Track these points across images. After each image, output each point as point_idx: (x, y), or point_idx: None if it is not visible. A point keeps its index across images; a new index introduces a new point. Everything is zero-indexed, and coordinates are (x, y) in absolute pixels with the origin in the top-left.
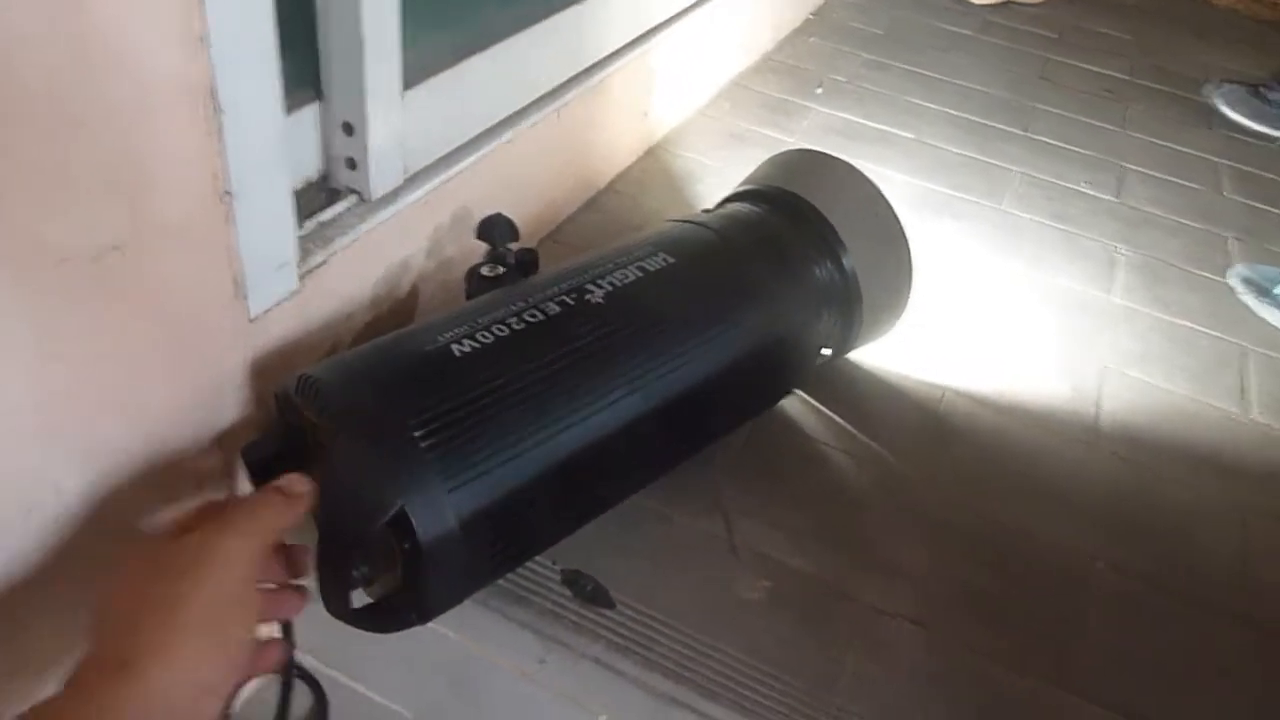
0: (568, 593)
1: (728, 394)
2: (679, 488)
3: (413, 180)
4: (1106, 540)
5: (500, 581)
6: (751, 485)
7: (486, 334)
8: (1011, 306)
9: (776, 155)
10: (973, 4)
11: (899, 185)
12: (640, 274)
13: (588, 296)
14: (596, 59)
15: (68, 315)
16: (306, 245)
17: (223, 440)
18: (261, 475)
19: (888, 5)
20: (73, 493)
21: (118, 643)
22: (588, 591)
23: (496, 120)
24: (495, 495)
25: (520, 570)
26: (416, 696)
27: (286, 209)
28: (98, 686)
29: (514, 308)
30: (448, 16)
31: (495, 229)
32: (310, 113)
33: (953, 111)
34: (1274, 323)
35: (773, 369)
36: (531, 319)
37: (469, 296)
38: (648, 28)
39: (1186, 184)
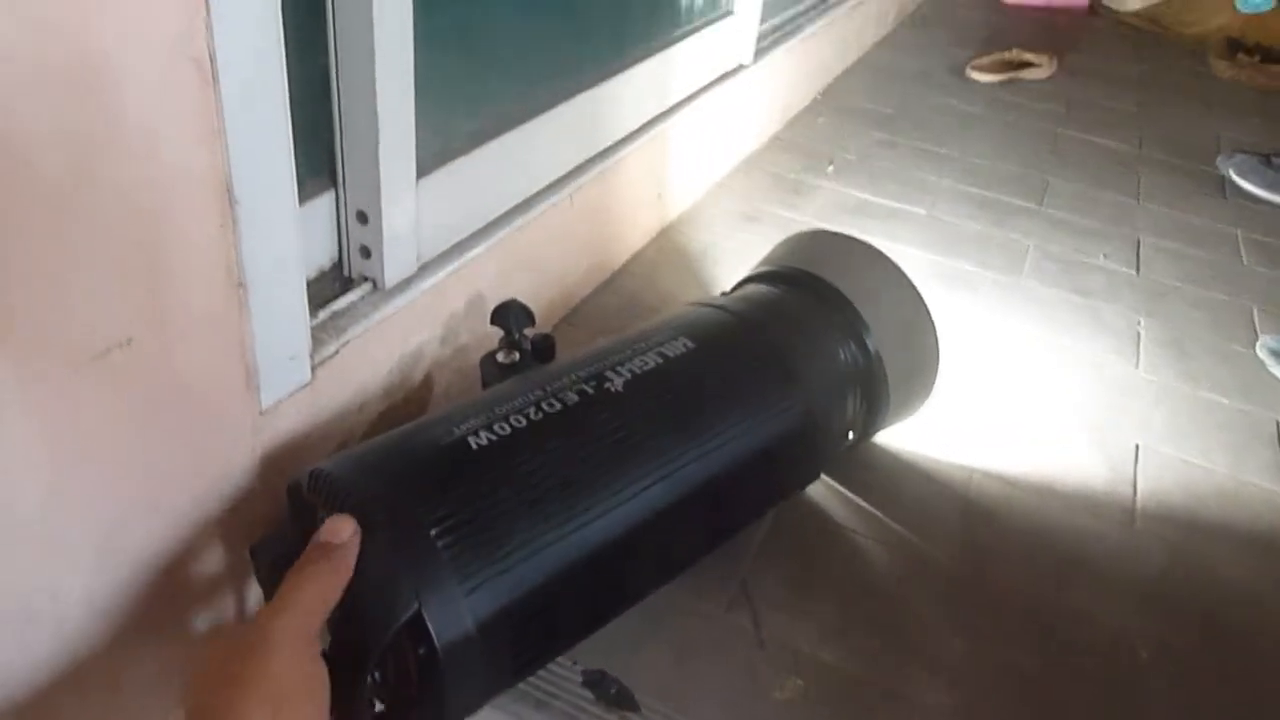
0: (590, 696)
1: (752, 482)
2: (703, 579)
3: (426, 267)
4: (1156, 625)
5: (520, 684)
6: (778, 575)
7: (504, 425)
8: (1036, 383)
9: (793, 235)
10: (978, 81)
11: (914, 261)
12: (660, 360)
13: (607, 385)
14: (610, 143)
15: (74, 410)
16: (319, 335)
17: (232, 536)
18: (270, 576)
19: (894, 84)
20: (73, 597)
21: None
22: (612, 694)
23: (510, 206)
24: (515, 595)
25: (541, 672)
26: None
27: (299, 300)
28: None
29: (532, 397)
30: (461, 105)
31: (510, 315)
32: (325, 201)
33: (965, 187)
34: None
35: (798, 455)
36: (550, 409)
37: (485, 384)
38: (660, 111)
39: (1206, 255)
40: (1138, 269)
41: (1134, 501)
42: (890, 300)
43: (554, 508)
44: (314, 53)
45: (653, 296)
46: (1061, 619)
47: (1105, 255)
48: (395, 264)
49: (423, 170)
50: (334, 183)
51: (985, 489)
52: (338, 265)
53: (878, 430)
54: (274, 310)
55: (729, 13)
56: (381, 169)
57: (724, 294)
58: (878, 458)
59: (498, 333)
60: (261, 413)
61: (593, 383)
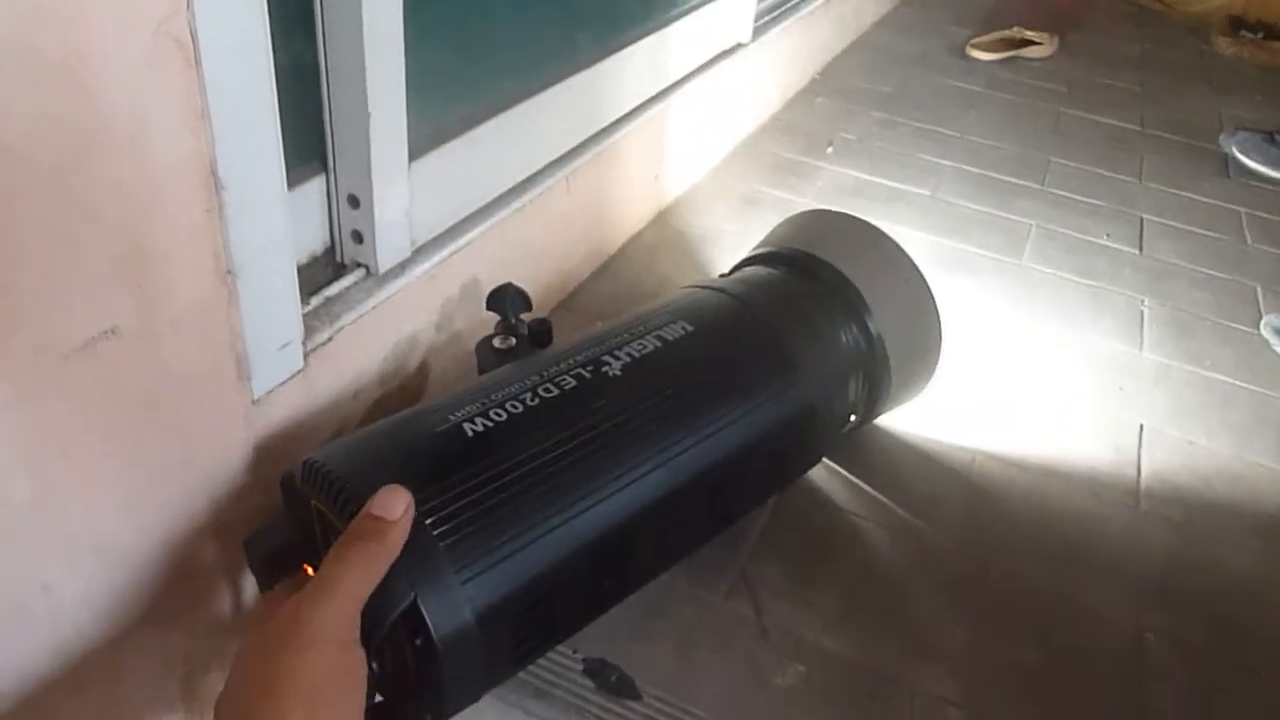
0: (591, 684)
1: (753, 466)
2: (703, 566)
3: (420, 252)
4: (1163, 610)
5: (520, 674)
6: (779, 561)
7: (500, 411)
8: (1039, 364)
9: (793, 216)
10: (979, 60)
11: (915, 243)
12: (659, 344)
13: (605, 369)
14: (606, 124)
15: (61, 401)
16: (311, 322)
17: (227, 529)
18: (265, 569)
19: (893, 63)
20: (67, 591)
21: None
22: (612, 683)
23: (505, 189)
24: (513, 584)
25: (540, 661)
26: None
27: (290, 287)
28: None
29: (528, 383)
30: (453, 86)
31: (506, 300)
32: (315, 186)
33: (966, 167)
34: None
35: (800, 438)
36: (547, 394)
37: (481, 370)
38: (657, 91)
39: (1209, 234)
40: (1140, 248)
41: (1138, 483)
42: (892, 282)
43: (552, 495)
44: (301, 32)
45: (651, 281)
46: (1065, 603)
47: (1108, 235)
48: (388, 249)
49: (415, 153)
50: (324, 166)
51: (988, 471)
52: (330, 250)
53: (880, 413)
54: (264, 297)
55: None
56: (372, 152)
57: (723, 276)
58: (880, 441)
59: (494, 318)
60: (254, 402)
61: (590, 367)
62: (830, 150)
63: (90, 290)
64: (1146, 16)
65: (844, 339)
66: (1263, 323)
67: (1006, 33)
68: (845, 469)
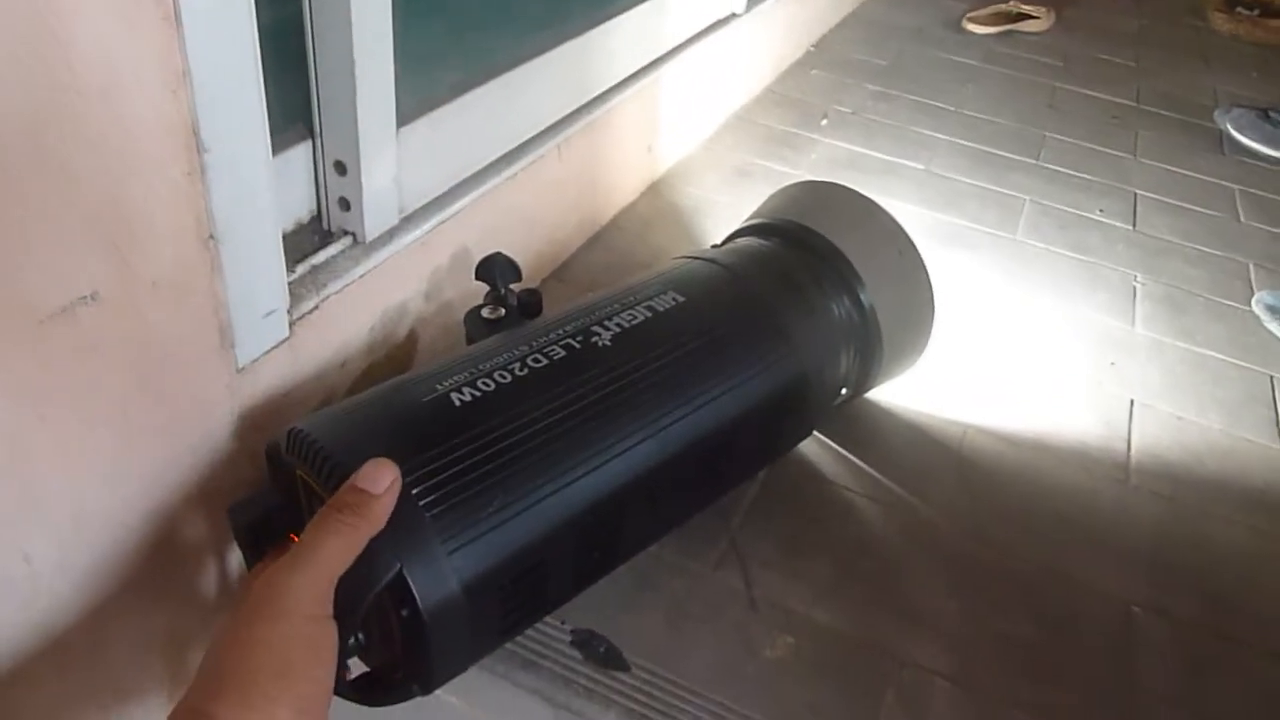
0: (579, 656)
1: (744, 438)
2: (693, 537)
3: (409, 220)
4: (1152, 584)
5: (507, 645)
6: (769, 533)
7: (488, 381)
8: (1031, 339)
9: (786, 187)
10: (975, 33)
11: (909, 216)
12: (649, 314)
13: (594, 339)
14: (598, 92)
15: (39, 367)
16: (297, 290)
17: (212, 499)
18: (249, 538)
19: (889, 37)
20: (48, 560)
21: (199, 694)
22: (600, 654)
23: (496, 157)
24: (500, 555)
25: (529, 632)
26: None
27: (275, 253)
28: None
29: (517, 353)
30: (443, 51)
31: (495, 269)
32: (301, 152)
33: (961, 141)
34: None
35: (791, 410)
36: (536, 364)
37: (470, 340)
38: (649, 60)
39: (1202, 210)
40: (1134, 224)
41: (1128, 458)
42: (885, 254)
43: (540, 466)
44: None
45: (643, 252)
46: (1055, 576)
47: (1101, 211)
48: (376, 216)
49: (403, 119)
50: (311, 132)
51: (979, 445)
52: (316, 218)
53: (871, 386)
54: (248, 264)
55: None
56: (359, 117)
57: (715, 247)
58: (871, 414)
59: (484, 288)
60: (238, 370)
61: (580, 338)
62: (824, 123)
63: (67, 254)
64: None
65: (836, 311)
66: (1254, 299)
67: (1003, 7)
68: (836, 442)
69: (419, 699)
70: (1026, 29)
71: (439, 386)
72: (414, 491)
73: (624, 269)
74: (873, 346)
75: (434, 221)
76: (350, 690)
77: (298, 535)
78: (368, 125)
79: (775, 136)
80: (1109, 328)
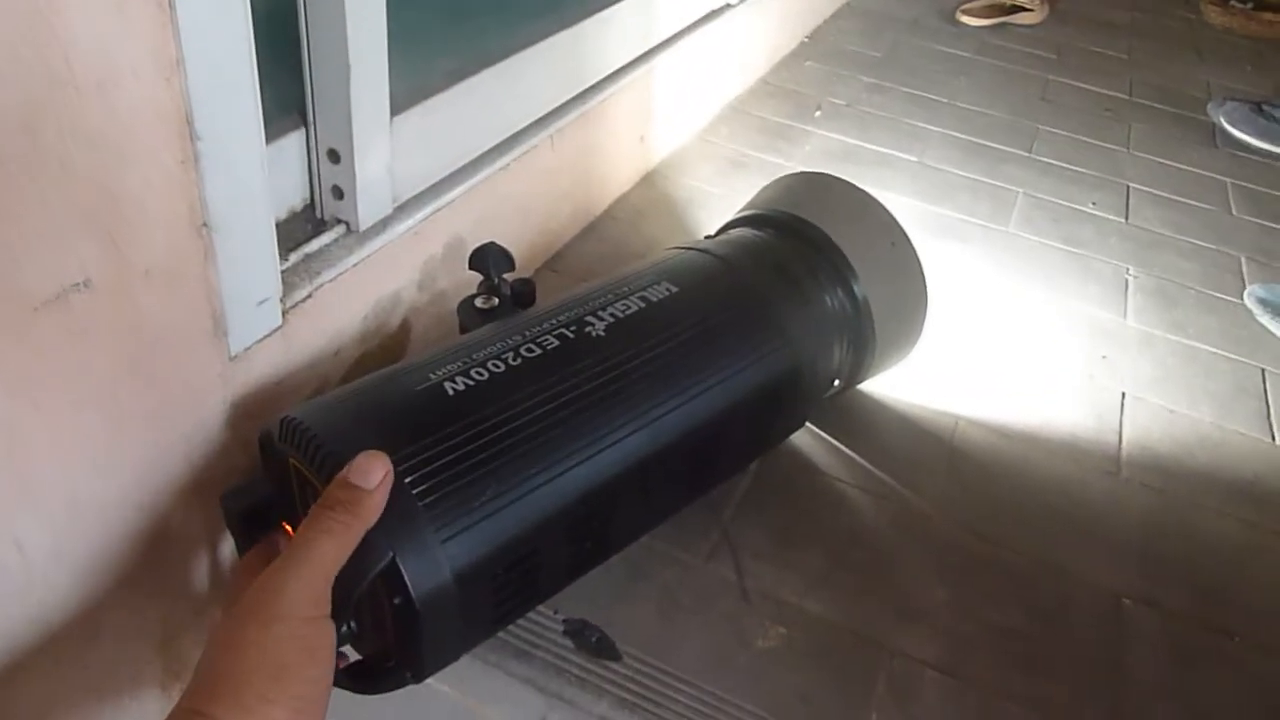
0: (571, 645)
1: (737, 429)
2: (685, 528)
3: (403, 209)
4: (1142, 575)
5: (500, 633)
6: (761, 524)
7: (481, 370)
8: (1023, 331)
9: (780, 178)
10: (968, 25)
11: (902, 208)
12: (643, 304)
13: (588, 329)
14: (592, 82)
15: (32, 355)
16: (290, 279)
17: (205, 488)
18: (242, 526)
19: (883, 29)
20: (41, 548)
21: (195, 696)
22: (593, 643)
23: (489, 146)
24: (493, 544)
25: (521, 621)
26: None
27: (268, 241)
28: None
29: (510, 342)
30: (436, 39)
31: (489, 259)
32: (295, 140)
33: (954, 133)
34: None
35: (784, 402)
36: (529, 354)
37: (463, 330)
38: (643, 51)
39: (1195, 204)
40: (1127, 217)
41: (1119, 450)
42: (878, 245)
43: (533, 455)
44: None
45: (637, 242)
46: (1045, 568)
47: (1094, 203)
48: (369, 205)
49: (397, 108)
50: (304, 120)
51: (971, 437)
52: (310, 206)
53: (864, 378)
54: (242, 252)
55: None
56: (353, 106)
57: (709, 238)
58: (863, 406)
59: (477, 278)
60: (231, 359)
61: (573, 327)
62: (818, 114)
63: (60, 241)
64: None
65: (829, 302)
66: (1246, 292)
67: None
68: (829, 433)
69: (411, 687)
70: (1020, 21)
71: (432, 375)
72: (407, 480)
73: (618, 259)
74: (865, 338)
75: (427, 210)
76: (342, 678)
77: (290, 524)
78: (361, 113)
79: (769, 128)
80: (1101, 320)
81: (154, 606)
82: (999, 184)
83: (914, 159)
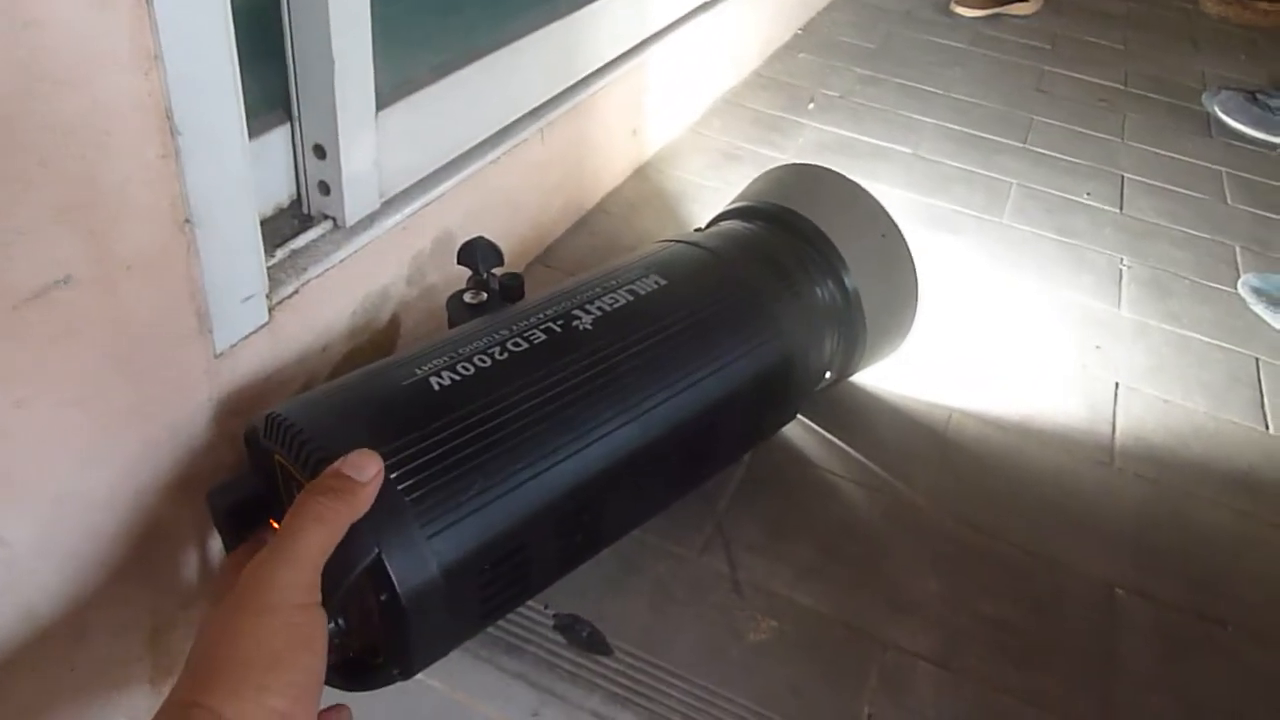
0: (562, 640)
1: (727, 422)
2: (677, 521)
3: (390, 204)
4: (1135, 565)
5: (490, 629)
6: (753, 517)
7: (467, 365)
8: (1016, 322)
9: (770, 170)
10: (963, 16)
11: (896, 200)
12: (631, 298)
13: (575, 323)
14: (583, 75)
15: (13, 352)
16: (277, 275)
17: (192, 484)
18: (229, 523)
19: (877, 20)
20: (25, 543)
21: (189, 687)
22: (584, 638)
23: (478, 140)
24: (480, 540)
25: (512, 616)
26: None
27: (253, 237)
28: None
29: (497, 337)
30: (422, 33)
31: (477, 253)
32: (280, 135)
33: (949, 125)
34: None
35: (774, 394)
36: (516, 348)
37: (452, 325)
38: (635, 43)
39: (1190, 193)
40: (1121, 207)
41: (1113, 441)
42: (869, 236)
43: (520, 450)
44: None
45: (629, 236)
46: (1038, 559)
47: (1088, 194)
48: (356, 200)
49: (383, 102)
50: (290, 115)
51: (964, 429)
52: (296, 202)
53: (856, 370)
54: (226, 248)
55: None
56: (337, 101)
57: (698, 230)
58: (856, 398)
59: (467, 272)
60: (216, 355)
61: (560, 321)
62: (812, 106)
63: (41, 238)
64: None
65: (820, 294)
66: (1240, 282)
67: None
68: (821, 426)
69: (402, 683)
70: (1014, 12)
71: (418, 371)
72: (392, 476)
73: (609, 253)
74: (857, 329)
75: (415, 205)
76: (331, 675)
77: (277, 520)
78: (346, 108)
79: (762, 120)
80: (1094, 310)
81: (142, 602)
82: (993, 175)
83: (908, 150)
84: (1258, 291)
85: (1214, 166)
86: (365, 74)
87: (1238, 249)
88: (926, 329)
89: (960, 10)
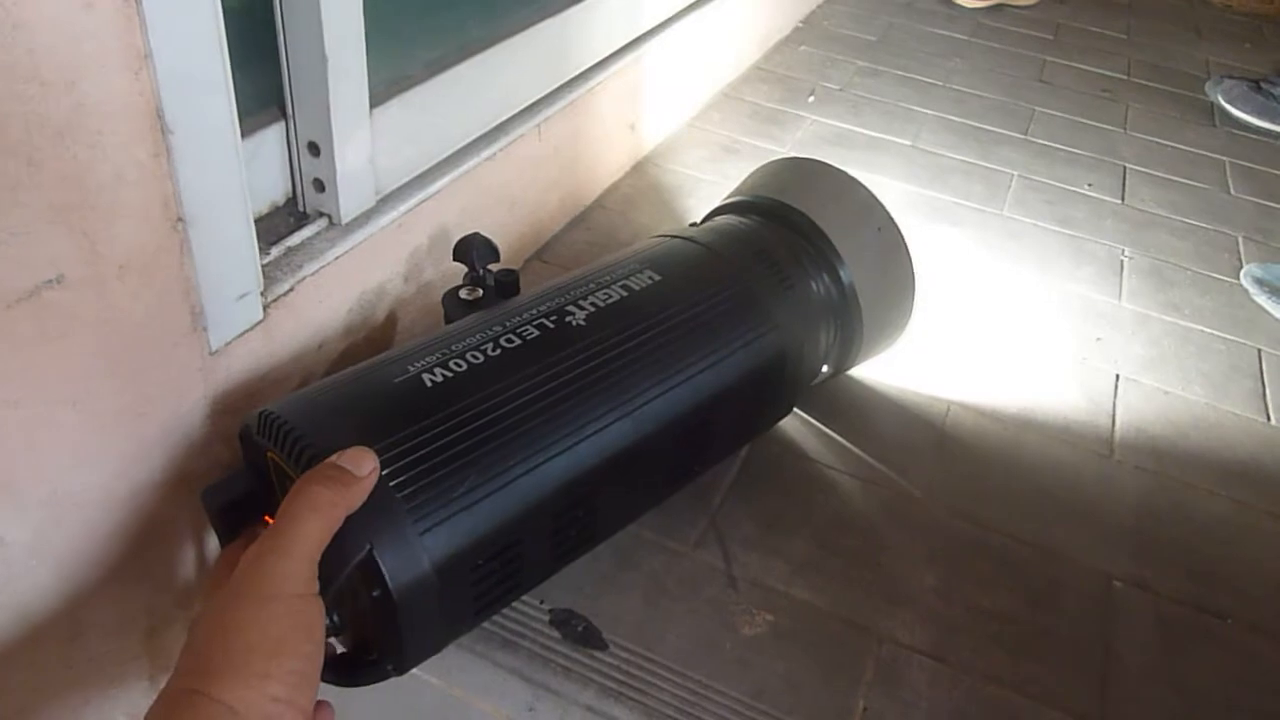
0: (557, 635)
1: (722, 417)
2: (672, 516)
3: (386, 201)
4: (1133, 558)
5: (485, 624)
6: (749, 511)
7: (460, 362)
8: (1016, 314)
9: (766, 164)
10: (964, 7)
11: (896, 192)
12: (625, 293)
13: (569, 319)
14: (579, 71)
15: (5, 353)
16: (272, 272)
17: (187, 483)
18: (224, 521)
19: (878, 11)
20: (19, 543)
21: (190, 675)
22: (579, 633)
23: (474, 137)
24: (473, 535)
25: (507, 611)
26: None
27: (247, 235)
28: (168, 717)
29: (490, 333)
30: (416, 29)
31: (473, 250)
32: (275, 133)
33: (949, 116)
34: None
35: (770, 389)
36: (509, 344)
37: (447, 321)
38: (632, 38)
39: (1192, 183)
40: (1123, 198)
41: (1112, 432)
42: (864, 230)
43: (513, 446)
44: None
45: (627, 231)
46: (1036, 551)
47: (1090, 185)
48: (351, 198)
49: (377, 99)
50: (284, 113)
51: (962, 422)
52: (292, 200)
53: (853, 364)
54: (219, 246)
55: None
56: (331, 98)
57: (693, 225)
58: (853, 391)
59: (463, 269)
60: (211, 353)
61: (554, 317)
62: (812, 99)
63: (32, 238)
64: None
65: (815, 288)
66: (1243, 272)
67: None
68: (817, 419)
69: (397, 679)
70: (1016, 2)
71: (411, 368)
72: (384, 472)
73: (607, 248)
74: (853, 324)
75: (411, 202)
76: (325, 671)
77: (272, 517)
78: (340, 106)
79: (762, 114)
80: (1095, 302)
81: (139, 600)
82: (994, 167)
83: (908, 143)
84: (1260, 282)
85: (1217, 156)
86: (359, 71)
87: (1240, 239)
88: (925, 321)
89: (961, 1)
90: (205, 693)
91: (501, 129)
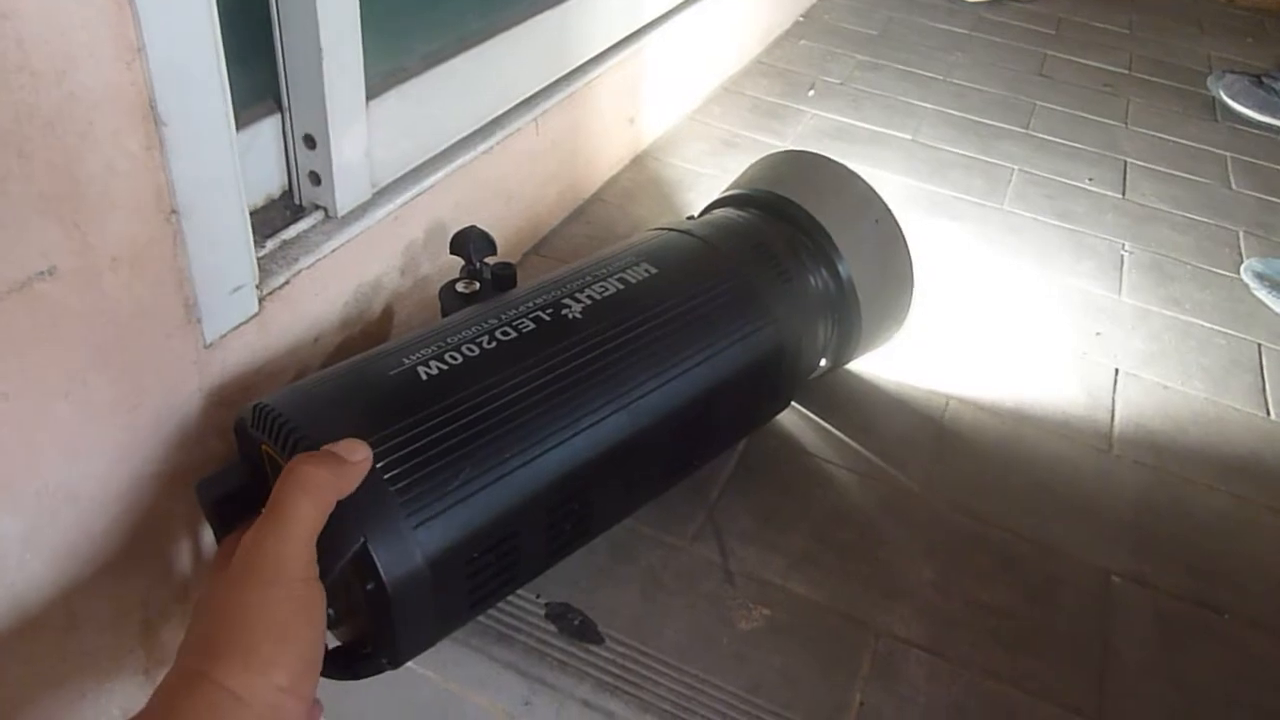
0: (554, 629)
1: (719, 411)
2: (669, 510)
3: (382, 194)
4: (1132, 553)
5: (481, 618)
6: (746, 505)
7: (455, 354)
8: (1016, 309)
9: (764, 157)
10: (965, 1)
11: (896, 186)
12: (621, 286)
13: (565, 312)
14: (578, 64)
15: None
16: (268, 265)
17: (182, 475)
18: (218, 514)
19: (879, 6)
20: (13, 536)
21: (196, 658)
22: (575, 627)
23: (471, 130)
24: (467, 529)
25: (503, 605)
26: None
27: (241, 227)
28: (173, 702)
29: (486, 325)
30: (413, 21)
31: (469, 243)
32: (270, 125)
33: (950, 111)
34: None
35: (768, 382)
36: (504, 337)
37: (444, 314)
38: (632, 30)
39: (1193, 178)
40: (1124, 192)
41: (1111, 427)
42: (862, 223)
43: (508, 439)
44: None
45: (626, 225)
46: (1033, 546)
47: (1090, 179)
48: (347, 190)
49: (374, 92)
50: (279, 105)
51: (961, 416)
52: (288, 193)
53: (851, 358)
54: (213, 238)
55: None
56: (327, 90)
57: (691, 218)
58: (851, 385)
59: (460, 262)
60: (205, 346)
61: (550, 310)
62: (812, 93)
63: (23, 230)
64: None
65: (813, 281)
66: (1243, 267)
67: None
68: (815, 413)
69: (393, 673)
70: None
71: (406, 360)
72: (378, 465)
73: (605, 242)
74: (851, 317)
75: (408, 195)
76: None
77: None
78: (336, 98)
79: (762, 107)
80: (1095, 296)
81: (134, 593)
82: (994, 161)
83: (908, 137)
84: (1261, 276)
85: (1218, 151)
86: (355, 63)
87: (1241, 234)
88: (925, 315)
89: None
90: (212, 677)
91: (499, 122)
